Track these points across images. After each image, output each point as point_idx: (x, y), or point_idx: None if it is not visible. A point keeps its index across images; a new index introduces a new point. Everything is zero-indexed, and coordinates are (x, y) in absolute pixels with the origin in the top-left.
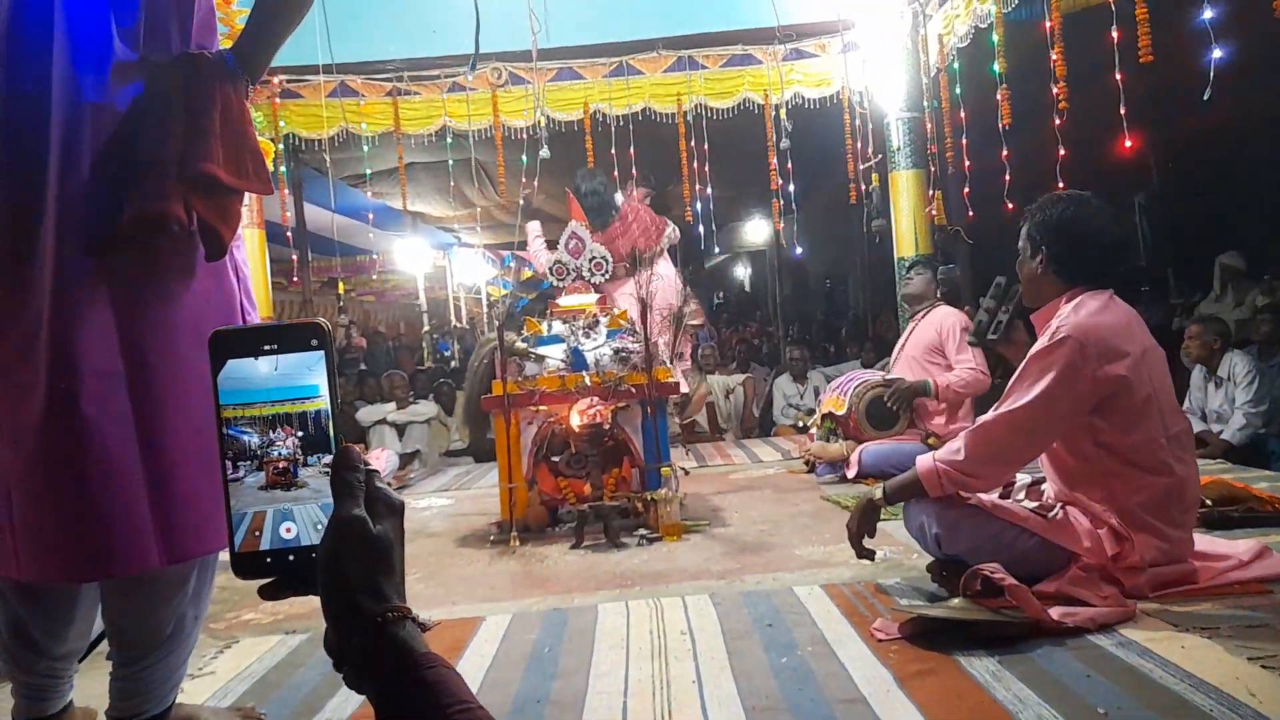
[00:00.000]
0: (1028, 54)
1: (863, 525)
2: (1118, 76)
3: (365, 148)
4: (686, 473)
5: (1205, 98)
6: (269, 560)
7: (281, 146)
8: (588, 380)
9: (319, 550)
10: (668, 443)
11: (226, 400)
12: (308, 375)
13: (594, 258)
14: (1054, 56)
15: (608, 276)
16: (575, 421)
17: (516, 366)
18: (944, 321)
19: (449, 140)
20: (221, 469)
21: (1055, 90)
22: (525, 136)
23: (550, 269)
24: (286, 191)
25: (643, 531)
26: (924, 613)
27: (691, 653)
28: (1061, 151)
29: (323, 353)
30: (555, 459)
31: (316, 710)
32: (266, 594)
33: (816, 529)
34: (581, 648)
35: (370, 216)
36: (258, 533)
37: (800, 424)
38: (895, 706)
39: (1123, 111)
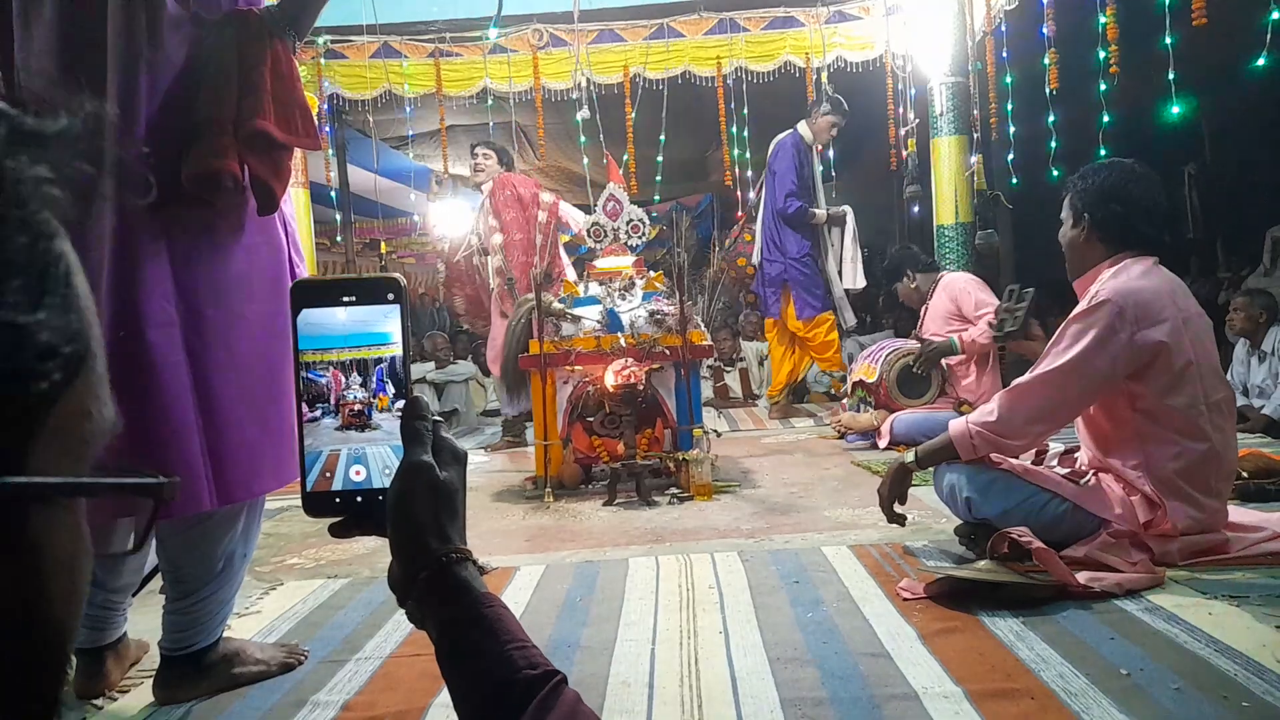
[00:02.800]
0: (1077, 17)
1: (894, 490)
2: (1169, 40)
3: (408, 109)
4: (718, 435)
5: (1260, 62)
6: (338, 500)
7: (325, 106)
8: (623, 341)
9: (389, 492)
10: (700, 404)
11: (305, 345)
12: (383, 324)
13: (631, 220)
14: (1105, 19)
15: (644, 239)
16: (610, 382)
17: (553, 327)
18: (953, 285)
19: (489, 103)
20: (297, 410)
21: (1105, 54)
22: (565, 99)
23: (587, 231)
24: (330, 152)
25: (674, 491)
26: (950, 573)
27: (719, 605)
28: (1106, 118)
29: (398, 306)
30: (590, 418)
31: (357, 649)
32: (336, 531)
33: (846, 492)
34: (612, 598)
35: (412, 178)
36: (329, 474)
37: (833, 392)
38: (918, 661)
39: (1172, 77)
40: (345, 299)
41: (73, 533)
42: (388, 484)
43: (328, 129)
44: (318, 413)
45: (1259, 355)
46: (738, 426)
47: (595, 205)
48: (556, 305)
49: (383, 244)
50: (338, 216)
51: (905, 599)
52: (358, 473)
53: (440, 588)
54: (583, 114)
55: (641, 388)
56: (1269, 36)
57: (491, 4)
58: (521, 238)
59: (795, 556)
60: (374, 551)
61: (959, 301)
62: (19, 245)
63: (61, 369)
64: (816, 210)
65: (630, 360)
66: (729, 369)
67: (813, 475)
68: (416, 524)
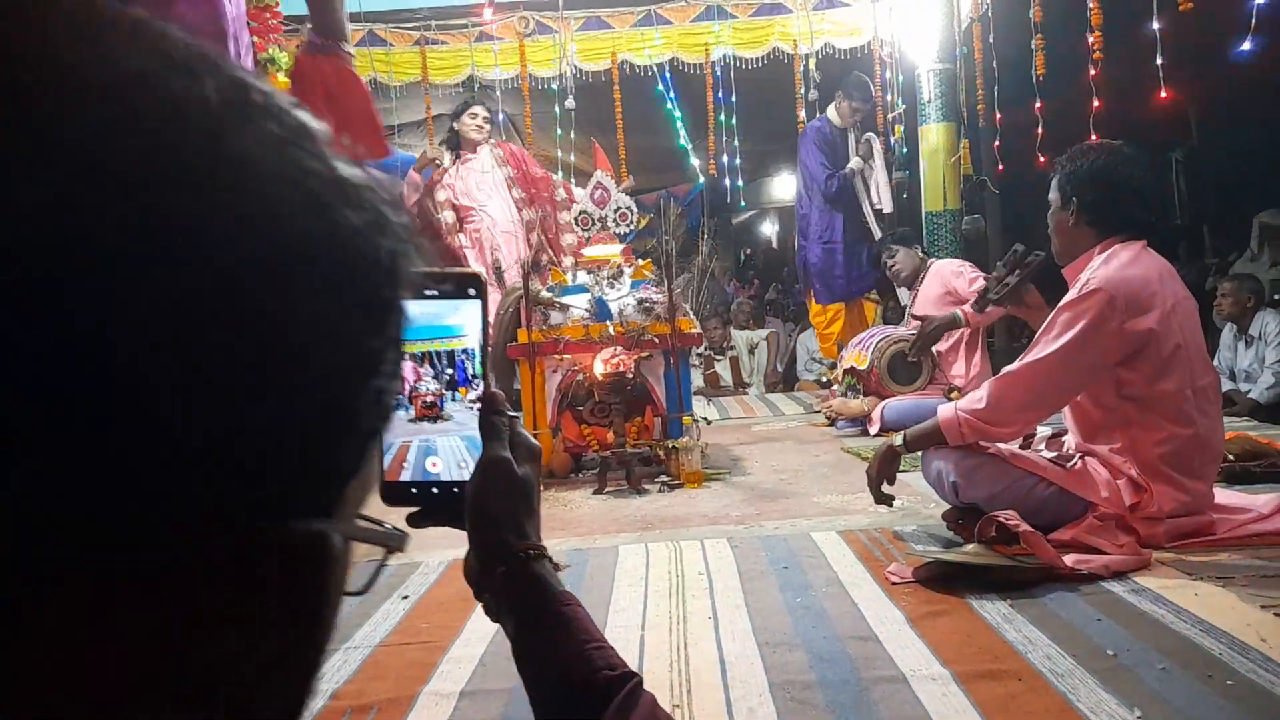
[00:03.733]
0: (1063, 2)
1: (882, 471)
2: (1155, 26)
3: (394, 98)
4: (708, 422)
5: (1244, 48)
6: (414, 491)
7: None
8: (611, 330)
9: (469, 487)
10: (690, 392)
11: None
12: (459, 316)
13: (619, 208)
14: (1090, 4)
15: (632, 227)
16: (599, 370)
17: (541, 315)
18: (944, 270)
19: (475, 90)
20: None
21: (1090, 40)
22: (553, 87)
23: (575, 219)
24: None
25: (664, 478)
26: (939, 557)
27: (708, 591)
28: (1096, 103)
29: (479, 301)
30: (579, 407)
31: (347, 638)
32: (413, 522)
33: (835, 478)
34: (601, 585)
35: (398, 168)
36: (404, 463)
37: (824, 379)
38: (906, 644)
39: (1159, 62)
40: (427, 292)
41: (346, 572)
42: (461, 476)
43: None
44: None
45: (1246, 340)
46: (728, 414)
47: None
48: (544, 294)
49: None
50: None
51: (894, 583)
52: (434, 464)
53: (518, 584)
54: (569, 103)
55: (630, 376)
56: (1253, 21)
57: None
58: (508, 229)
59: (784, 542)
60: None
61: (952, 284)
62: (396, 323)
63: (386, 425)
64: (849, 168)
65: (619, 348)
66: (720, 357)
67: (802, 461)
68: (495, 519)
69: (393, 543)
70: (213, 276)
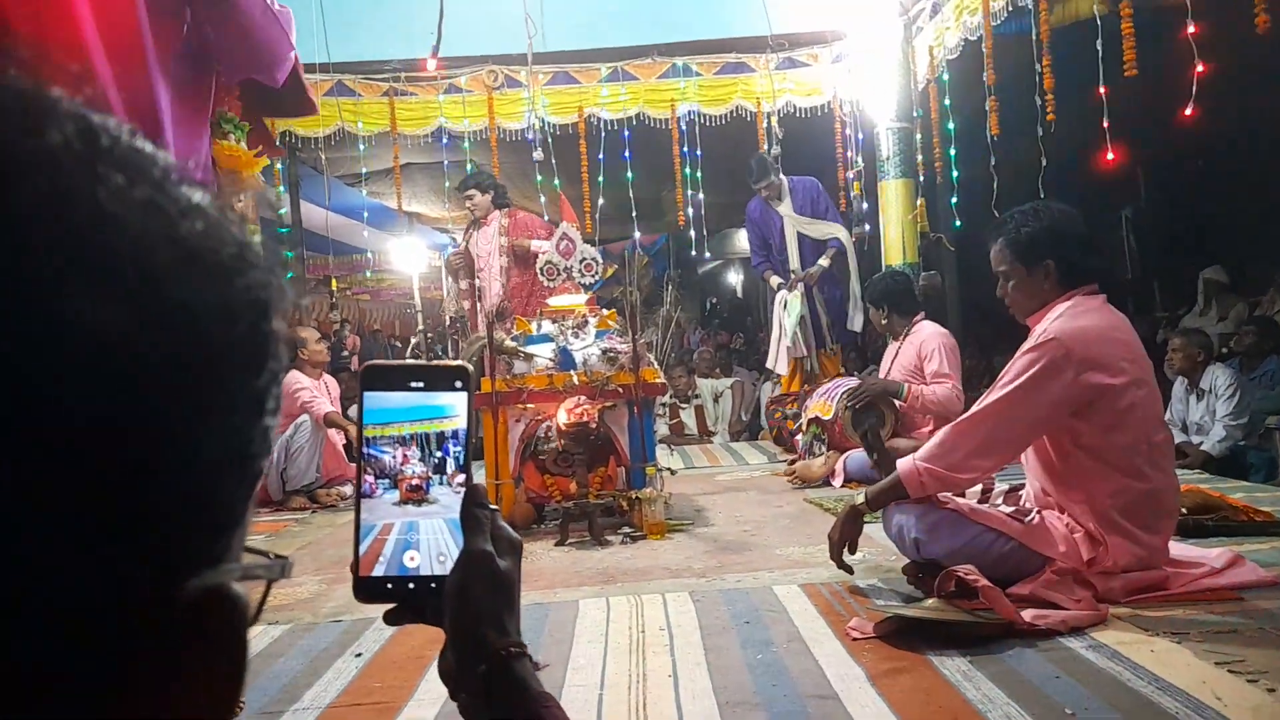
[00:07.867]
0: (1017, 66)
1: (845, 534)
2: (1101, 90)
3: (362, 147)
4: (673, 473)
5: (1187, 112)
6: (389, 586)
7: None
8: (575, 379)
9: (449, 581)
10: (654, 442)
11: (369, 420)
12: (445, 399)
13: (584, 259)
14: (1040, 69)
15: (597, 277)
16: (562, 420)
17: (505, 365)
18: (926, 343)
19: (444, 141)
20: (356, 489)
21: (1042, 102)
22: (521, 139)
23: (541, 269)
24: (282, 189)
25: (627, 530)
26: (899, 612)
27: (669, 648)
28: (1044, 162)
29: (465, 393)
30: (542, 457)
31: (295, 699)
32: (390, 619)
33: (798, 530)
34: (560, 642)
35: (365, 215)
36: (379, 556)
37: (787, 430)
38: (866, 703)
39: (1105, 125)
40: (413, 385)
41: (248, 615)
42: (440, 571)
43: (280, 166)
44: (377, 489)
45: (1197, 393)
46: (692, 463)
47: (550, 244)
48: (509, 343)
49: (333, 281)
50: (288, 254)
51: (855, 639)
52: (411, 558)
53: (499, 684)
54: (536, 155)
55: (594, 426)
56: (1194, 87)
57: (445, 45)
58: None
59: (746, 596)
60: (317, 596)
61: (923, 358)
62: (277, 355)
63: (268, 459)
64: (771, 277)
65: (583, 398)
66: (684, 406)
67: (765, 513)
68: (476, 616)
69: (275, 574)
70: (90, 347)
